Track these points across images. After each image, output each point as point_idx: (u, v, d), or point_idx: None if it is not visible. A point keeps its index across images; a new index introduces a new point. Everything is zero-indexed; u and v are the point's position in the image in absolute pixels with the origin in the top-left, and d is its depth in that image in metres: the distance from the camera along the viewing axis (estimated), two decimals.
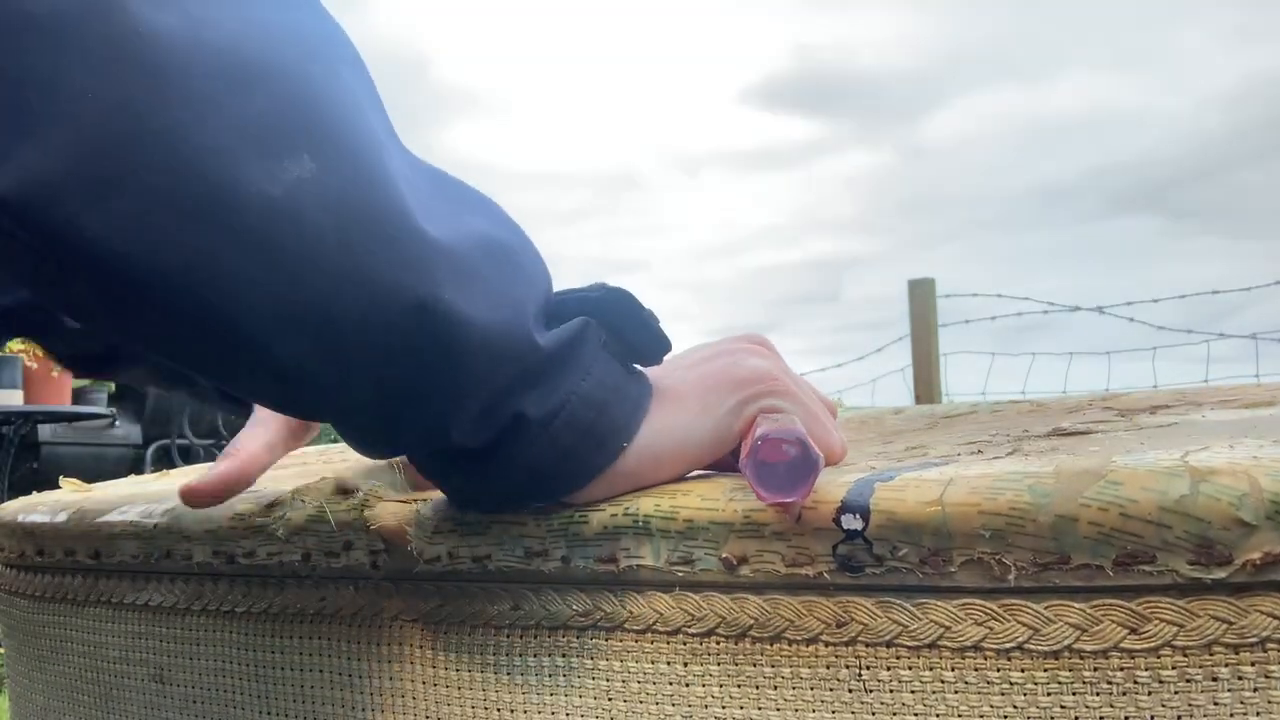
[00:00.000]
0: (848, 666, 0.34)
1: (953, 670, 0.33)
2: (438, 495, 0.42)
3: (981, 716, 0.33)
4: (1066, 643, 0.32)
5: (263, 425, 0.47)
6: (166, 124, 0.30)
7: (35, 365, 3.08)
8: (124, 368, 0.54)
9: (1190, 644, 0.31)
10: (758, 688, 0.36)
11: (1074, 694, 0.32)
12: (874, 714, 0.34)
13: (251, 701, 0.46)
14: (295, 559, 0.45)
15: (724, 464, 0.41)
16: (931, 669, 0.33)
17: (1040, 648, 0.32)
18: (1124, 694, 0.31)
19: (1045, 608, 0.32)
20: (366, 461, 0.50)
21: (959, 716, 0.33)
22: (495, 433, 0.36)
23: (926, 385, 3.41)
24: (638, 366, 0.41)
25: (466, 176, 0.39)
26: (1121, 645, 0.31)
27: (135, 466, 3.92)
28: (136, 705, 0.50)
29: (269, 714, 0.45)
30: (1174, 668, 0.31)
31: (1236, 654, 0.30)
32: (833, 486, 0.35)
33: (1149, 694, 0.31)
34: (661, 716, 0.37)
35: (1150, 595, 0.31)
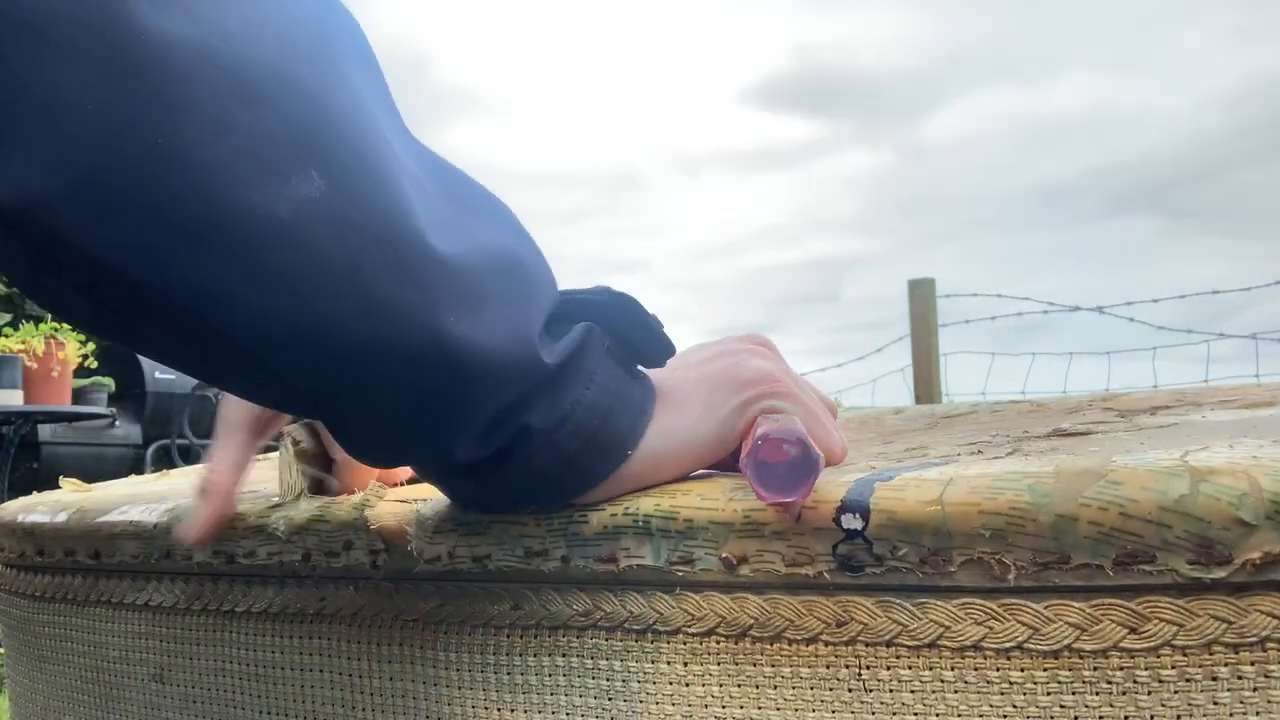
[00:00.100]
0: (848, 666, 0.34)
1: (952, 670, 0.33)
2: (438, 495, 0.42)
3: (981, 716, 0.33)
4: (1066, 642, 0.32)
5: (231, 443, 0.46)
6: (170, 141, 0.28)
7: (35, 365, 3.08)
8: None
9: (1190, 643, 0.31)
10: (758, 688, 0.36)
11: (1074, 693, 0.32)
12: (874, 714, 0.34)
13: (251, 701, 0.46)
14: (295, 559, 0.45)
15: (725, 464, 0.41)
16: (931, 669, 0.33)
17: (1040, 647, 0.32)
18: (1124, 693, 0.31)
19: (1045, 607, 0.32)
20: None
21: (959, 716, 0.33)
22: (500, 445, 0.36)
23: (926, 385, 3.41)
24: (641, 368, 0.40)
25: None
26: (1121, 645, 0.31)
27: (135, 466, 3.92)
28: (136, 705, 0.50)
29: (269, 714, 0.45)
30: (1174, 667, 0.31)
31: (1236, 653, 0.30)
32: (833, 486, 0.35)
33: (1149, 693, 0.31)
34: (661, 716, 0.37)
35: (1150, 595, 0.31)
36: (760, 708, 0.35)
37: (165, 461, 3.89)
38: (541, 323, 0.36)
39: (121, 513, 0.51)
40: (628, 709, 0.37)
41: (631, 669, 0.37)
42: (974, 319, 3.62)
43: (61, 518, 0.53)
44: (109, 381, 3.64)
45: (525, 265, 0.37)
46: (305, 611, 0.44)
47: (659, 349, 0.40)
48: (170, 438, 3.96)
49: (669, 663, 0.37)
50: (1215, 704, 0.31)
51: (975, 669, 0.33)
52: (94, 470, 3.50)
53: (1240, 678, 0.30)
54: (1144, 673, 0.31)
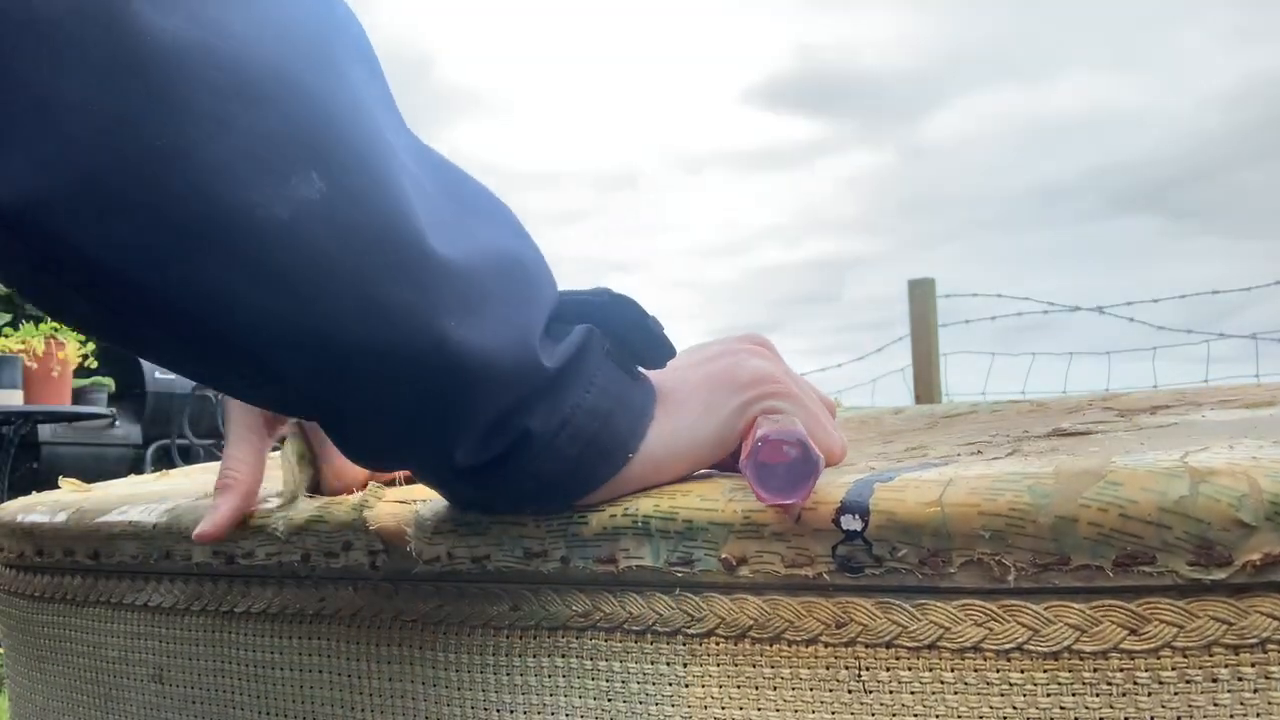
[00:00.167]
0: (847, 667, 0.34)
1: (952, 671, 0.33)
2: (437, 496, 0.42)
3: (981, 717, 0.33)
4: (1066, 644, 0.32)
5: (245, 442, 0.46)
6: (171, 141, 0.28)
7: (35, 365, 3.08)
8: None
9: (1190, 645, 0.31)
10: (757, 688, 0.35)
11: (1074, 695, 0.32)
12: (873, 715, 0.34)
13: (251, 702, 0.46)
14: (295, 559, 0.45)
15: (724, 464, 0.41)
16: (931, 670, 0.33)
17: (1040, 649, 0.32)
18: (1124, 695, 0.31)
19: (1045, 609, 0.32)
20: None
21: (958, 717, 0.33)
22: (500, 450, 0.36)
23: (926, 385, 3.41)
24: (641, 370, 0.40)
25: None
26: (1121, 646, 0.31)
27: (135, 466, 3.92)
28: (136, 705, 0.50)
29: (268, 714, 0.45)
30: (1174, 669, 0.31)
31: (1236, 655, 0.30)
32: (832, 487, 0.35)
33: (1149, 695, 0.31)
34: (661, 717, 0.37)
35: (1150, 596, 0.31)
36: (760, 709, 0.35)
37: (165, 461, 3.89)
38: (542, 324, 0.36)
39: (121, 513, 0.51)
40: (627, 710, 0.37)
41: (631, 670, 0.37)
42: (974, 319, 3.63)
43: (61, 518, 0.53)
44: (109, 381, 3.64)
45: (526, 266, 0.37)
46: (304, 612, 0.44)
47: (659, 351, 0.40)
48: (170, 438, 3.96)
49: (668, 664, 0.37)
50: (1215, 705, 0.31)
51: (975, 670, 0.33)
52: (94, 470, 3.50)
53: (1240, 679, 0.30)
54: (1144, 674, 0.31)
